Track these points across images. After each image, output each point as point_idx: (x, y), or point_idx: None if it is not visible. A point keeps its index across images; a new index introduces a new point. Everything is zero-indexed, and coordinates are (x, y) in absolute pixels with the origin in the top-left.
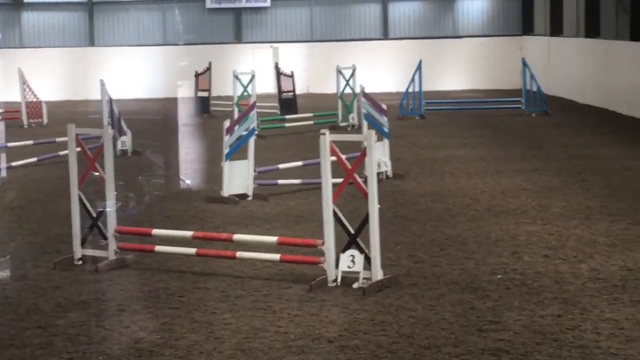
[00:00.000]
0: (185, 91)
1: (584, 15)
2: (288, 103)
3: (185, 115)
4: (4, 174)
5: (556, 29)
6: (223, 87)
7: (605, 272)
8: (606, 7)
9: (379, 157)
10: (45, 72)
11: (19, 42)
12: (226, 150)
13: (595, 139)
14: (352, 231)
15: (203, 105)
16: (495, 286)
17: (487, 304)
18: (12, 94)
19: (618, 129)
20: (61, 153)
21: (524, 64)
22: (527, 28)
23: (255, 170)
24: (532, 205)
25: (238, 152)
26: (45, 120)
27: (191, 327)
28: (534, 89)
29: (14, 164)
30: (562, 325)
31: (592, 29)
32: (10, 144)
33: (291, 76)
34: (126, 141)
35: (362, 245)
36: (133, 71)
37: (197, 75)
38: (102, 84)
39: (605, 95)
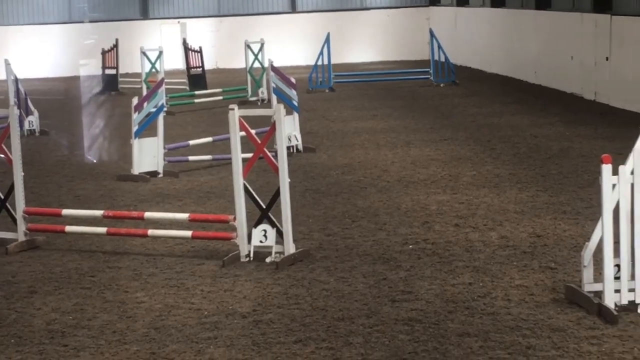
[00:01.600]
0: (92, 69)
1: None
2: (197, 79)
3: (93, 93)
4: None
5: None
6: (131, 64)
7: (514, 239)
8: None
9: (289, 131)
10: None
11: None
12: (135, 128)
13: (503, 108)
14: (264, 206)
15: (111, 82)
16: (407, 256)
17: (400, 275)
18: None
19: (525, 98)
20: None
21: (432, 35)
22: None
23: (165, 147)
24: (442, 175)
25: (147, 129)
26: None
27: (103, 306)
28: (442, 59)
29: None
30: (474, 293)
31: None
32: None
33: (199, 52)
34: (33, 121)
35: (273, 219)
36: (39, 50)
37: (103, 52)
38: (7, 64)
39: (512, 64)
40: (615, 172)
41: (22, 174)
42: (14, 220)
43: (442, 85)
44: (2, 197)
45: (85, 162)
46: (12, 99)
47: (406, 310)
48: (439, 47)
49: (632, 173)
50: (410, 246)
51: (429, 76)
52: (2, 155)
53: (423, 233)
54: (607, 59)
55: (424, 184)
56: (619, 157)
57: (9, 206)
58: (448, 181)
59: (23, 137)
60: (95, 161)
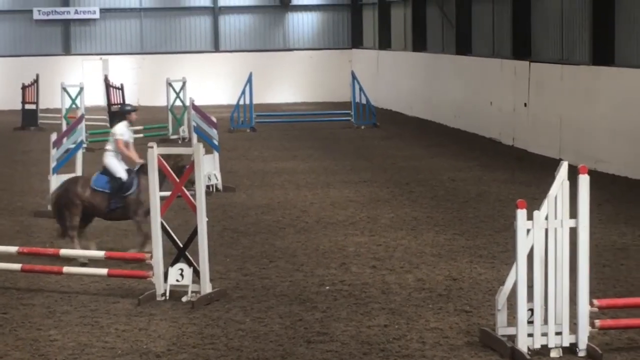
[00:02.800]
0: (11, 103)
1: (412, 30)
2: (118, 116)
3: (11, 127)
4: None
5: (385, 43)
6: (52, 99)
7: (430, 282)
8: (432, 21)
9: (209, 169)
10: None
11: None
12: (53, 164)
13: (422, 151)
14: (181, 244)
15: (30, 117)
16: (324, 297)
17: (316, 316)
18: None
19: (445, 141)
20: None
21: (353, 77)
22: (356, 41)
23: None
24: (360, 217)
25: (66, 165)
26: None
27: (16, 344)
28: (364, 101)
29: None
30: (389, 335)
31: (419, 43)
32: None
33: (121, 89)
34: None
35: (190, 258)
36: None
37: (23, 87)
38: None
39: (432, 108)
40: (530, 217)
41: None
42: None
43: (362, 127)
44: None
45: (1, 198)
46: None
47: (321, 351)
48: (361, 89)
49: (546, 218)
50: (327, 287)
51: (350, 118)
52: None
53: (340, 274)
54: (525, 104)
55: (342, 225)
56: (535, 202)
57: None
58: (366, 223)
59: None
60: (10, 196)
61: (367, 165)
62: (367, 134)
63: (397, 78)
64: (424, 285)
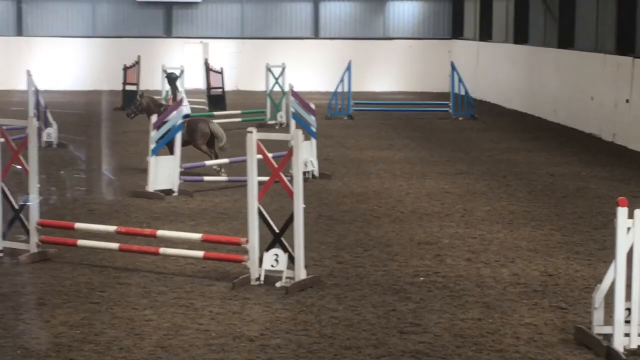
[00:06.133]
0: (112, 84)
1: (513, 22)
2: (217, 99)
3: (112, 108)
4: None
5: (485, 34)
6: (152, 81)
7: (526, 277)
8: (535, 14)
9: (306, 156)
10: None
11: None
12: (152, 145)
13: (520, 144)
14: (277, 230)
15: (131, 98)
16: (418, 289)
17: (409, 306)
18: None
19: (543, 135)
20: None
21: (453, 68)
22: (456, 32)
23: (181, 166)
24: (456, 209)
25: (164, 147)
26: None
27: (111, 322)
28: (462, 92)
29: None
30: (482, 329)
31: (521, 36)
32: None
33: (221, 72)
34: (51, 133)
35: (286, 244)
36: (61, 62)
37: (125, 68)
38: (29, 75)
39: (531, 101)
40: (630, 215)
41: (38, 185)
42: (27, 231)
43: (460, 118)
44: (17, 207)
45: (100, 177)
46: (31, 111)
47: (414, 342)
48: (460, 80)
49: None
50: (421, 278)
51: (448, 109)
52: (19, 166)
53: (435, 266)
54: (627, 101)
55: (437, 217)
56: (635, 200)
57: (22, 217)
58: (462, 215)
59: (40, 149)
60: (111, 177)
61: (463, 156)
62: (465, 126)
63: (497, 70)
64: (519, 280)
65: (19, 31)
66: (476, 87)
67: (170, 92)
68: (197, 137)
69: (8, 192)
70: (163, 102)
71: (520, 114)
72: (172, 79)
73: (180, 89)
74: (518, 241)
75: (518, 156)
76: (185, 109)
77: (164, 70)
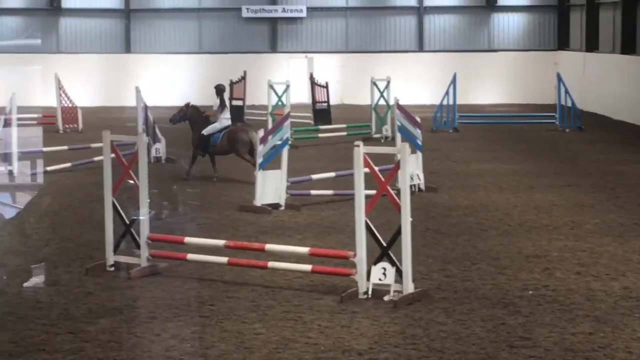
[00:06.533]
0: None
1: (621, 32)
2: (322, 113)
3: None
4: (40, 179)
5: (592, 45)
6: (257, 96)
7: (638, 291)
8: None
9: (412, 170)
10: (81, 78)
11: (56, 48)
12: (259, 160)
13: (629, 156)
14: (384, 243)
15: (237, 114)
16: (527, 302)
17: (518, 320)
18: (49, 99)
19: None
20: (95, 159)
21: (559, 79)
22: (562, 43)
23: (288, 180)
24: (564, 221)
25: (272, 161)
26: (80, 126)
27: (221, 336)
28: (569, 104)
29: (48, 168)
30: (594, 343)
31: (629, 46)
32: (45, 149)
33: (325, 87)
34: (160, 148)
35: (393, 257)
36: (168, 78)
37: (232, 83)
38: (138, 91)
39: None
40: None
41: (148, 200)
42: (138, 245)
43: (567, 130)
44: (128, 222)
45: (208, 191)
46: (140, 126)
47: (524, 356)
48: (566, 91)
49: None
50: (531, 292)
51: (554, 121)
52: (131, 181)
53: (544, 279)
54: None
55: (546, 230)
56: None
57: (133, 232)
58: (570, 228)
59: (149, 164)
60: (217, 191)
61: (571, 169)
62: (572, 137)
63: (604, 81)
64: (630, 294)
65: (128, 48)
66: (582, 99)
67: (274, 105)
68: (238, 146)
69: (119, 207)
70: (269, 115)
71: (628, 125)
72: (220, 90)
73: (286, 103)
74: (629, 254)
75: (627, 168)
76: (226, 120)
77: (270, 85)
